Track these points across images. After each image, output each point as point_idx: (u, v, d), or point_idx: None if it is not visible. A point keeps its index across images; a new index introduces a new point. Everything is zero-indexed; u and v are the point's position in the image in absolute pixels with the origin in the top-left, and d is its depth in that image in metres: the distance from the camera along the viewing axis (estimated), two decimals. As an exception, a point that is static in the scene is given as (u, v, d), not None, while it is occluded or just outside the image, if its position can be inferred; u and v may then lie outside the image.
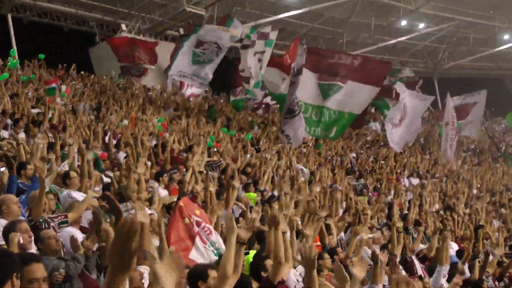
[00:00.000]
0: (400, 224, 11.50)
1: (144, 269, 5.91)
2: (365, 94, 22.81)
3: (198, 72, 25.79)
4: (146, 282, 5.85)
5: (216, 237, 8.32)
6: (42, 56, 27.70)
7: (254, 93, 25.35)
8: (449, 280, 9.74)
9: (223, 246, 7.96)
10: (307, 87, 22.60)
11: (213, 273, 5.64)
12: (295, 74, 22.11)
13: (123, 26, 37.75)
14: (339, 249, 10.00)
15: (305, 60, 22.17)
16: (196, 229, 8.12)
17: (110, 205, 6.43)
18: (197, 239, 8.08)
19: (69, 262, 6.24)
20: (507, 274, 12.65)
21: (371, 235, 11.84)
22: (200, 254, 7.95)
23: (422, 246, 12.56)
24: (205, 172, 12.76)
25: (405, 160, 28.31)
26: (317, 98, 22.86)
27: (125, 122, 18.78)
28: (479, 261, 11.76)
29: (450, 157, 30.26)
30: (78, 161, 11.43)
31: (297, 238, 8.42)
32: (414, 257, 11.11)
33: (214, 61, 25.79)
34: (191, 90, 31.47)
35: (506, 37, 49.83)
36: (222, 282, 5.42)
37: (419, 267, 10.80)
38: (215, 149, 18.38)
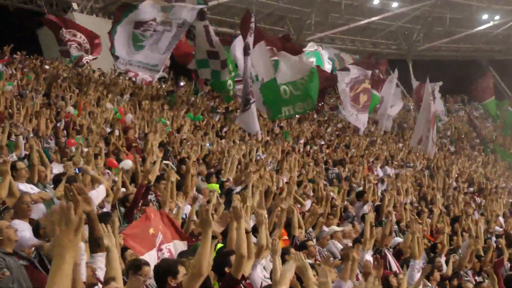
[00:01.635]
0: (372, 217, 11.53)
1: (98, 260, 5.75)
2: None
3: (144, 57, 23.82)
4: (101, 273, 5.71)
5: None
6: None
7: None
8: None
9: None
10: (261, 64, 23.10)
11: (183, 270, 5.57)
12: (245, 55, 22.28)
13: (74, 5, 36.94)
14: (310, 242, 9.99)
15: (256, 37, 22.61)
16: (157, 243, 8.12)
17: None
18: (153, 251, 8.02)
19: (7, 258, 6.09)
20: (485, 268, 12.80)
21: (340, 228, 11.85)
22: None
23: (398, 239, 12.55)
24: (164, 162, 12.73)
25: (377, 148, 28.31)
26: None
27: (71, 108, 18.33)
28: (454, 256, 11.88)
29: (429, 147, 30.08)
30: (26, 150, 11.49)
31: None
32: (387, 251, 11.14)
33: (161, 41, 23.76)
34: (142, 77, 30.33)
35: (484, 17, 50.22)
36: (195, 281, 5.28)
37: (393, 263, 10.84)
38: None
